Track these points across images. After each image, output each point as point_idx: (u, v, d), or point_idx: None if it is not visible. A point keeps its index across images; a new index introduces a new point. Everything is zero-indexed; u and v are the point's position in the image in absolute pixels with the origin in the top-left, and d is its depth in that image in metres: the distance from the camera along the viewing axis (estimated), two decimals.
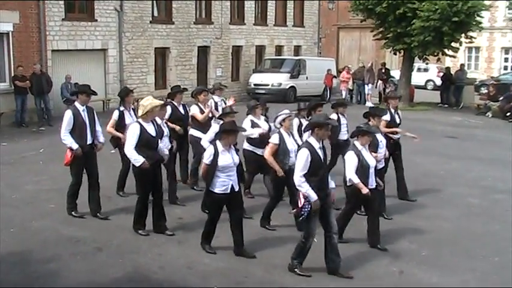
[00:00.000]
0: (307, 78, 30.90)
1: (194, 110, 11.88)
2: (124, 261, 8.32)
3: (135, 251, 8.70)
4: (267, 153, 9.72)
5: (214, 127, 10.33)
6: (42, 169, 13.80)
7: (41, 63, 21.20)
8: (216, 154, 8.27)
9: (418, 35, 26.17)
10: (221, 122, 10.00)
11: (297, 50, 36.70)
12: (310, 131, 7.99)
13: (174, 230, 9.59)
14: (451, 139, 20.20)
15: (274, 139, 9.71)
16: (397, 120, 11.73)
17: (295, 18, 36.41)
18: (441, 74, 32.97)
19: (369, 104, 28.57)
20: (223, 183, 8.35)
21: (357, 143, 9.01)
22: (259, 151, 10.83)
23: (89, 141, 10.01)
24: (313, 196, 7.63)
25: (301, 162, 7.71)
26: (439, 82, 33.15)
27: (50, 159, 14.80)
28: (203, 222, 9.93)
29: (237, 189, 8.54)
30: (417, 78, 36.95)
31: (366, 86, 30.07)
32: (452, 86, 30.30)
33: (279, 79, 29.88)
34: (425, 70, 40.33)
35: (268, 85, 29.52)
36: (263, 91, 28.88)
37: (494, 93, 27.78)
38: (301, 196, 7.73)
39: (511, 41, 42.96)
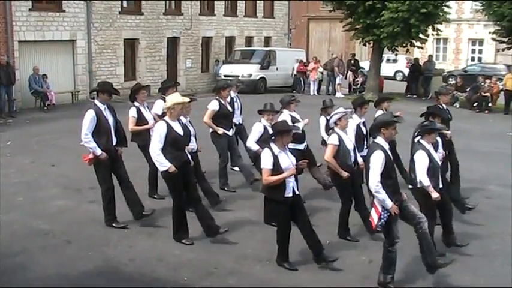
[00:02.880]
0: (277, 69, 30.95)
1: (214, 106, 11.39)
2: (94, 254, 8.27)
3: (105, 244, 8.65)
4: (328, 155, 8.96)
5: (258, 126, 10.02)
6: (9, 162, 13.61)
7: (8, 54, 20.89)
8: (275, 156, 7.71)
9: (387, 27, 26.36)
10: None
11: (267, 41, 36.68)
12: (377, 130, 7.49)
13: (145, 222, 9.55)
14: None
15: (333, 140, 9.00)
16: (450, 116, 11.41)
17: (265, 9, 36.36)
18: (410, 65, 33.27)
19: (338, 94, 28.76)
20: (288, 186, 7.80)
21: (424, 142, 8.34)
22: (300, 146, 10.53)
23: (114, 142, 9.31)
24: (389, 203, 7.16)
25: (376, 166, 7.19)
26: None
27: (17, 152, 14.64)
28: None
29: (297, 192, 8.02)
30: (386, 69, 37.27)
31: (336, 77, 30.19)
32: (421, 77, 30.63)
33: (249, 70, 29.84)
34: (395, 61, 40.67)
35: (238, 76, 29.42)
36: None
37: (461, 84, 28.10)
38: (376, 204, 7.27)
39: (478, 32, 43.48)
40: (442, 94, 11.72)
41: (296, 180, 8.07)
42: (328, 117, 10.15)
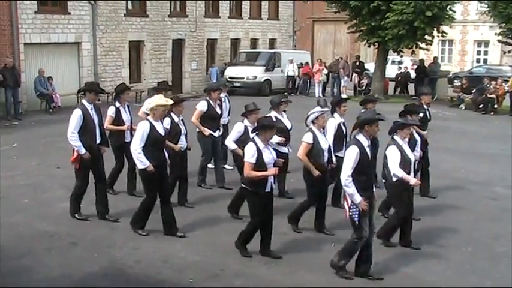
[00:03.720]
0: (282, 71, 30.92)
1: (202, 107, 11.58)
2: (99, 256, 8.29)
3: (111, 245, 8.67)
4: (301, 153, 9.17)
5: (239, 126, 10.05)
6: (15, 164, 13.64)
7: (14, 56, 20.96)
8: (259, 151, 7.96)
9: (392, 29, 26.34)
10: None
11: (272, 43, 36.72)
12: (360, 128, 7.62)
13: (150, 224, 9.53)
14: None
15: (307, 138, 9.18)
16: (428, 117, 11.57)
17: (270, 11, 36.42)
18: (415, 66, 33.21)
19: (344, 96, 28.67)
20: (268, 181, 8.09)
21: (397, 138, 8.67)
22: (282, 149, 10.55)
23: (98, 141, 9.63)
24: (358, 198, 7.33)
25: (349, 160, 7.35)
26: (413, 75, 33.40)
27: (23, 154, 14.67)
28: (179, 216, 9.93)
29: (274, 186, 8.36)
30: (391, 71, 37.17)
31: (341, 79, 30.15)
32: (426, 79, 30.56)
33: (254, 72, 29.85)
34: (400, 63, 40.53)
35: (243, 78, 29.47)
36: (238, 84, 28.88)
37: (467, 86, 28.05)
38: (347, 198, 7.46)
39: (484, 34, 43.41)
40: (424, 94, 12.09)
41: (274, 176, 8.33)
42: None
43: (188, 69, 30.32)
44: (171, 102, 9.24)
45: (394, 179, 8.53)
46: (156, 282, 7.53)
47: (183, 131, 10.22)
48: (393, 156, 8.52)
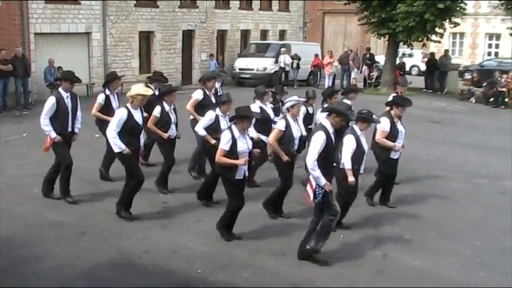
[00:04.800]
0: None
1: (198, 95, 11.69)
2: (108, 246, 8.31)
3: (119, 236, 8.69)
4: (271, 138, 9.52)
5: (210, 114, 10.19)
6: (25, 153, 13.70)
7: (24, 46, 21.00)
8: (234, 139, 8.21)
9: (402, 20, 26.21)
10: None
11: (282, 34, 36.58)
12: (328, 113, 7.86)
13: (159, 214, 9.62)
14: (435, 124, 20.32)
15: (280, 125, 9.49)
16: None
17: (280, 3, 36.26)
18: (425, 59, 33.05)
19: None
20: (240, 169, 8.34)
21: (356, 128, 8.96)
22: (263, 138, 10.68)
23: (69, 129, 9.96)
24: (323, 181, 7.54)
25: (316, 145, 7.54)
26: (423, 67, 33.25)
27: (33, 144, 14.67)
28: (188, 206, 10.00)
29: (247, 174, 8.64)
30: None
31: (351, 71, 30.05)
32: (436, 72, 30.44)
33: (264, 64, 29.77)
34: (410, 55, 40.36)
35: (253, 70, 29.43)
36: (248, 76, 28.83)
37: (478, 79, 27.90)
38: (311, 181, 7.65)
39: (495, 27, 43.11)
40: (400, 85, 12.54)
41: (249, 165, 8.62)
42: (308, 108, 11.08)
43: (198, 60, 30.26)
44: (150, 92, 9.52)
45: (341, 167, 8.74)
46: (164, 273, 7.54)
47: (173, 119, 10.54)
48: (348, 145, 8.79)
